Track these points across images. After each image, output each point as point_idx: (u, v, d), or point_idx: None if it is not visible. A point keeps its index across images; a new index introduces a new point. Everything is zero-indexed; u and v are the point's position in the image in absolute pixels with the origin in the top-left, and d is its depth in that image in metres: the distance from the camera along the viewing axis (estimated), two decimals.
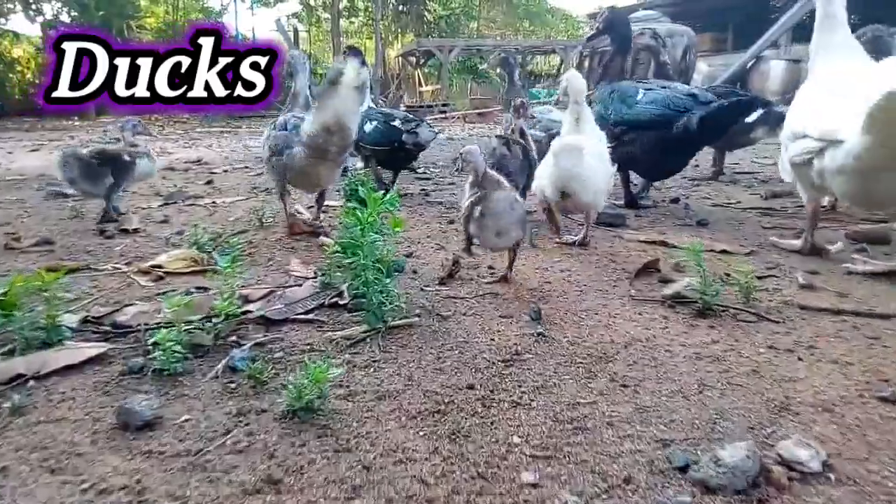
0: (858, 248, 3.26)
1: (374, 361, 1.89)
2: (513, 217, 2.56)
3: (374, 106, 5.61)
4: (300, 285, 2.56)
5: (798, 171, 2.95)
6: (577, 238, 3.43)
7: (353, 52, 5.89)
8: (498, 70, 6.40)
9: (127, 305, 2.40)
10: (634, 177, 4.80)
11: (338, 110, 3.26)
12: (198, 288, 2.62)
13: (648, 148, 4.12)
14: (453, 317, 2.27)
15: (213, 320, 2.08)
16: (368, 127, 5.08)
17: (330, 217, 4.32)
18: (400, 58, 24.91)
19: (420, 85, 22.00)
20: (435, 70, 24.76)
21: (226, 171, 7.35)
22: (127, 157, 4.24)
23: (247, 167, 7.61)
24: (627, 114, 4.22)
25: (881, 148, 2.35)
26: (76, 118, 22.63)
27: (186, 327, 2.00)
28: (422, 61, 22.63)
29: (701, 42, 20.80)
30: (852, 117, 2.42)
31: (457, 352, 1.95)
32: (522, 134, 4.15)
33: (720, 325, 2.18)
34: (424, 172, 6.79)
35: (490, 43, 23.48)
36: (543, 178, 3.27)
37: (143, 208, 4.67)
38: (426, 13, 29.13)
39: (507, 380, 1.76)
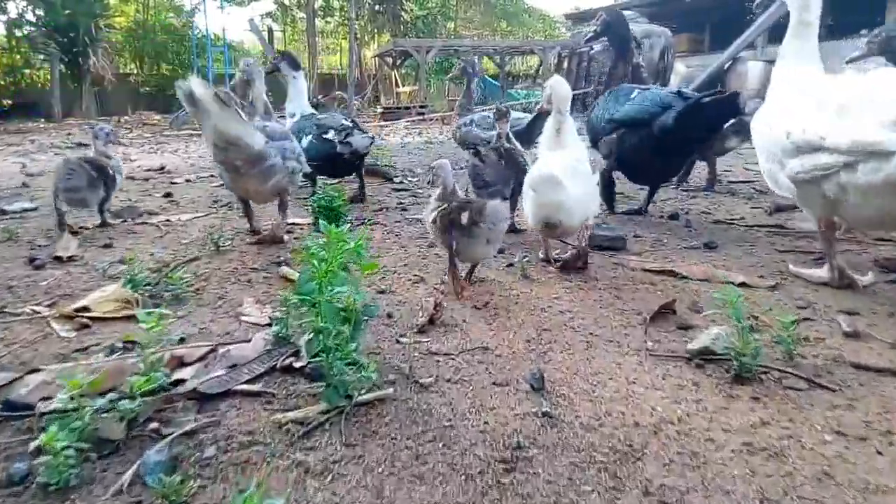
0: (893, 279, 2.88)
1: (334, 462, 1.45)
2: (504, 226, 2.70)
3: (316, 113, 5.20)
4: (249, 340, 2.10)
5: (805, 189, 2.69)
6: (565, 256, 3.13)
7: (286, 57, 5.47)
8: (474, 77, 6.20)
9: (32, 372, 1.93)
10: (632, 190, 4.41)
11: (214, 127, 3.13)
12: (126, 343, 2.16)
13: (634, 147, 3.97)
14: (436, 385, 1.84)
15: (129, 401, 1.62)
16: (305, 142, 4.75)
17: (296, 238, 3.87)
18: (377, 58, 24.39)
19: (397, 86, 21.50)
20: (412, 71, 24.29)
21: (188, 180, 6.85)
22: (110, 170, 4.20)
23: (212, 176, 7.11)
24: (616, 111, 4.08)
25: None
26: (42, 121, 21.82)
27: (94, 409, 1.55)
28: (399, 62, 22.14)
29: (678, 43, 20.70)
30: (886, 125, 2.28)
31: (441, 444, 1.52)
32: (509, 139, 3.89)
33: (765, 396, 1.77)
34: (402, 182, 6.35)
35: (468, 43, 23.04)
36: (525, 207, 3.03)
37: (87, 229, 4.17)
38: (403, 13, 28.65)
39: (508, 493, 1.33)
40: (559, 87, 3.15)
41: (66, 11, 24.03)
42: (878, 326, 2.30)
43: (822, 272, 2.87)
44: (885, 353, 2.05)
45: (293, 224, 4.18)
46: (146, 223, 4.39)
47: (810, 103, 2.65)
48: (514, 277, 2.95)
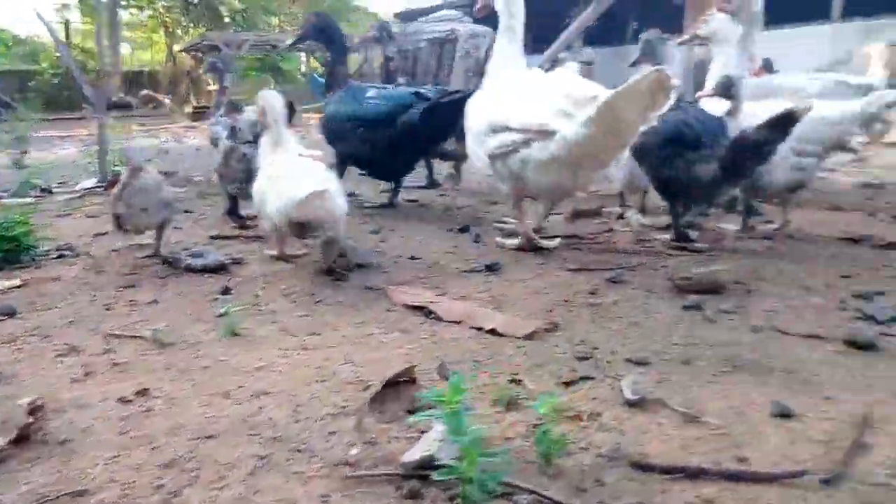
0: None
1: None
2: (156, 197, 2.93)
3: None
4: None
5: (496, 163, 3.18)
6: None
7: None
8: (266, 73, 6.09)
9: None
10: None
11: None
12: None
13: (377, 145, 4.14)
14: None
15: None
16: None
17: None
18: (187, 54, 22.40)
19: (209, 84, 19.73)
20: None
21: None
22: None
23: None
24: (358, 110, 4.21)
25: (597, 137, 2.75)
26: None
27: None
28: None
29: None
30: (560, 113, 2.84)
31: None
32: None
33: None
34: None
35: (287, 39, 21.75)
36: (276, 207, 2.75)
37: None
38: (220, 6, 26.66)
39: None
40: (271, 99, 3.07)
41: None
42: (671, 381, 1.76)
43: (516, 241, 3.30)
44: (675, 437, 1.47)
45: None
46: None
47: (508, 94, 3.15)
48: (220, 334, 2.14)
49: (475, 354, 1.97)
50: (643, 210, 4.17)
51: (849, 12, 15.26)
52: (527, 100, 3.03)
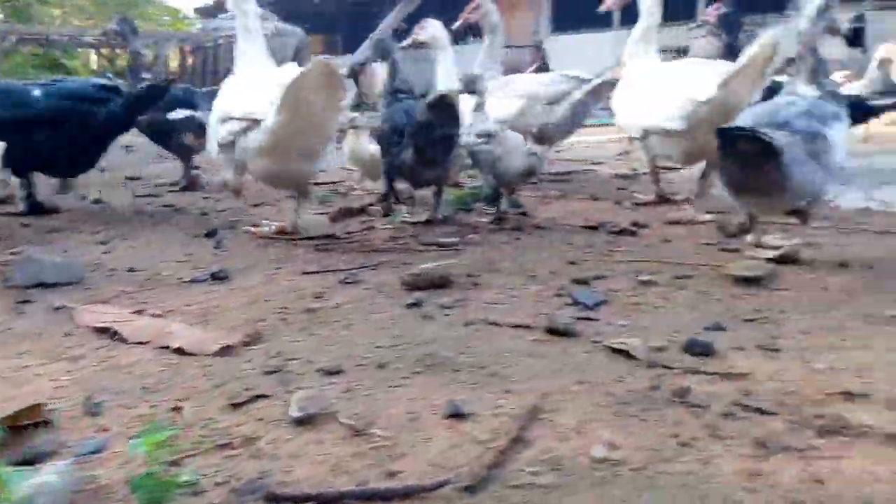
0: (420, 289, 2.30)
1: None
2: None
3: None
4: None
5: (225, 152, 3.30)
6: None
7: None
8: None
9: None
10: None
11: None
12: None
13: (63, 142, 3.85)
14: None
15: None
16: None
17: None
18: None
19: None
20: None
21: None
22: None
23: None
24: (29, 111, 3.84)
25: (289, 123, 2.91)
26: None
27: None
28: None
29: (313, 43, 20.55)
30: (268, 102, 2.95)
31: None
32: None
33: None
34: None
35: (67, 32, 19.77)
36: None
37: None
38: None
39: None
40: None
41: None
42: (359, 389, 1.62)
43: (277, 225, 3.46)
44: (332, 456, 1.32)
45: None
46: None
47: (237, 87, 3.35)
48: None
49: (150, 379, 1.71)
50: (411, 205, 4.13)
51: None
52: (248, 91, 3.18)
